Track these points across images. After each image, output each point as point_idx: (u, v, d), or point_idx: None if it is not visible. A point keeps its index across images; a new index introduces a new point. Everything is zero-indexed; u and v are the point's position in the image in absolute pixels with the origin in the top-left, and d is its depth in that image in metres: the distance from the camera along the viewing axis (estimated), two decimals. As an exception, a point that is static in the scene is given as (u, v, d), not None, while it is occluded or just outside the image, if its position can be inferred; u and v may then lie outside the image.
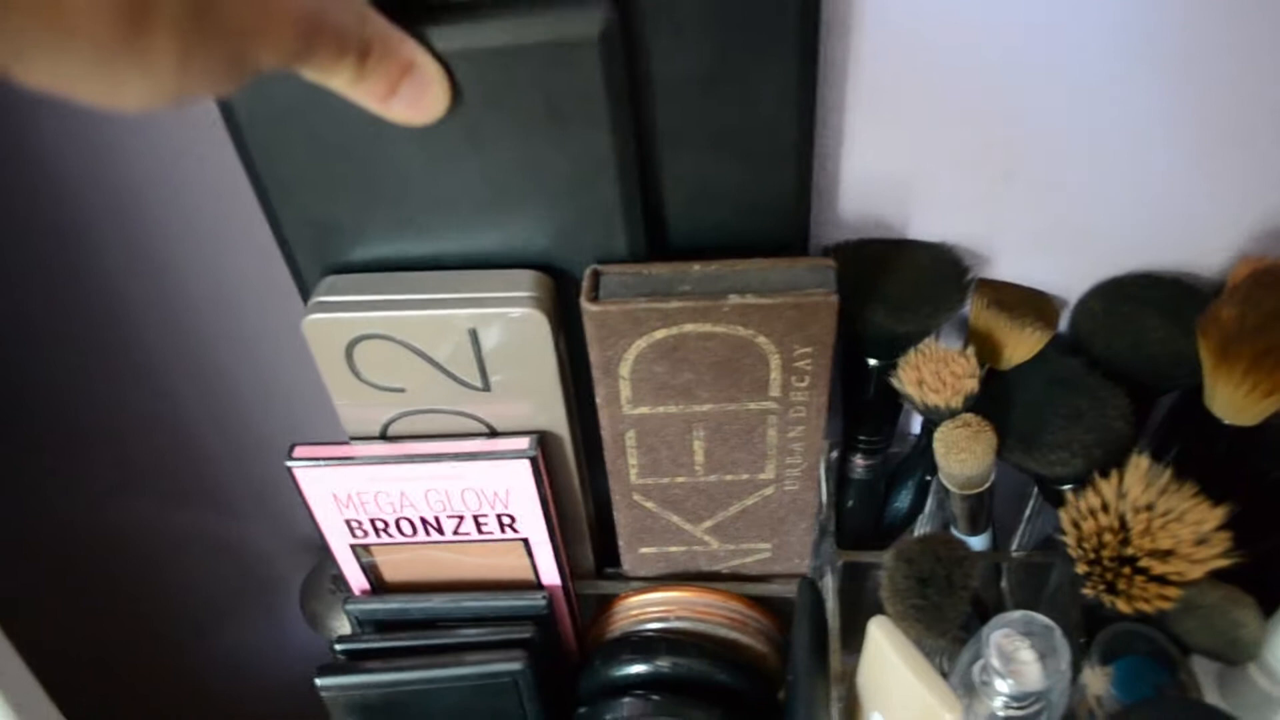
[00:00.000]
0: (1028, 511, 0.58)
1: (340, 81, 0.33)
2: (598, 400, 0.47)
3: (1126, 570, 0.43)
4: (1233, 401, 0.46)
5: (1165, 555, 0.43)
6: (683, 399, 0.47)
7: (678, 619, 0.54)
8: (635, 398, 0.46)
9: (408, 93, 0.36)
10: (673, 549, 0.56)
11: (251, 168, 0.42)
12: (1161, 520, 0.43)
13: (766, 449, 0.49)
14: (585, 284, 0.43)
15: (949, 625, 0.44)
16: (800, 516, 0.53)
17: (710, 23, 0.40)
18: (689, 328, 0.43)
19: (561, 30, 0.37)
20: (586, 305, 0.42)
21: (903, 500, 0.58)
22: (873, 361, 0.51)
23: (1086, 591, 0.44)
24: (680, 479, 0.51)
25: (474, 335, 0.44)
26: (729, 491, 0.52)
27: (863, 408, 0.54)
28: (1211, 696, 0.47)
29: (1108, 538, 0.43)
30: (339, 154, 0.41)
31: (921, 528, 0.58)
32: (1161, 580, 0.43)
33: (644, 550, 0.56)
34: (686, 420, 0.48)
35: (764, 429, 0.48)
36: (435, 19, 0.37)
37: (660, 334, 0.43)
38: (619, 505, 0.53)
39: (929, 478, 0.56)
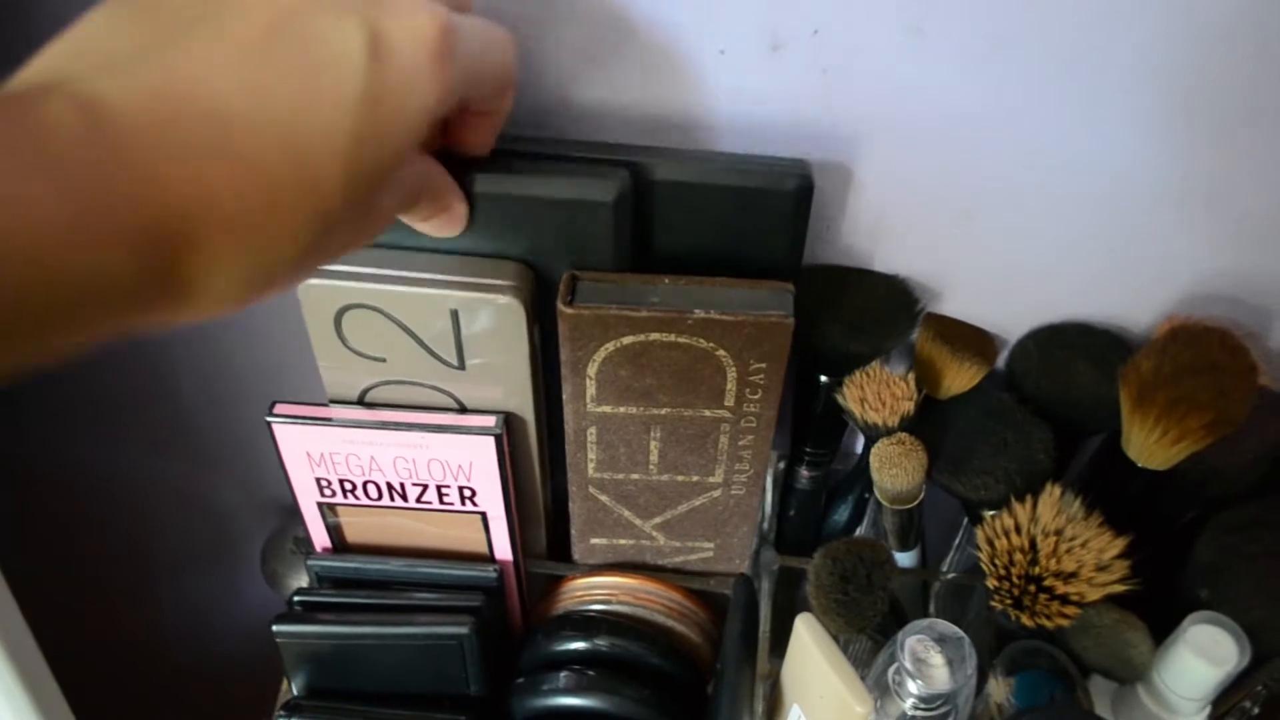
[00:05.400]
0: (957, 540, 0.62)
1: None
2: (564, 396, 0.50)
3: (1032, 588, 0.47)
4: (1145, 446, 0.50)
5: (1068, 577, 0.46)
6: (643, 402, 0.50)
7: (619, 603, 0.58)
8: (599, 396, 0.50)
9: (437, 223, 0.43)
10: (621, 542, 0.59)
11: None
12: (1068, 545, 0.47)
13: (718, 454, 0.53)
14: (562, 287, 0.46)
15: (867, 622, 0.48)
16: (743, 520, 0.57)
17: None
18: (654, 336, 0.46)
19: (582, 193, 0.45)
20: (561, 307, 0.46)
21: (841, 514, 0.62)
22: (824, 378, 0.55)
23: (994, 604, 0.48)
24: (635, 476, 0.54)
25: (455, 316, 0.48)
26: (679, 492, 0.55)
27: (811, 421, 0.58)
28: (1104, 713, 0.51)
29: (1018, 557, 0.47)
30: None
31: (857, 543, 0.62)
32: (1063, 599, 0.46)
33: (595, 540, 0.59)
34: (645, 422, 0.51)
35: (717, 435, 0.52)
36: (486, 167, 0.44)
37: (628, 340, 0.47)
38: (575, 496, 0.56)
39: (867, 495, 0.60)
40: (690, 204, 0.48)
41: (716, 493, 0.55)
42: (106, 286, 0.24)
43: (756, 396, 0.49)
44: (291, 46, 0.27)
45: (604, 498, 0.56)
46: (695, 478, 0.54)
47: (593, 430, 0.52)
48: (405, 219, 0.42)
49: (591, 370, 0.48)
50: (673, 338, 0.46)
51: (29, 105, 0.23)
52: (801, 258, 0.50)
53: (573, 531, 0.59)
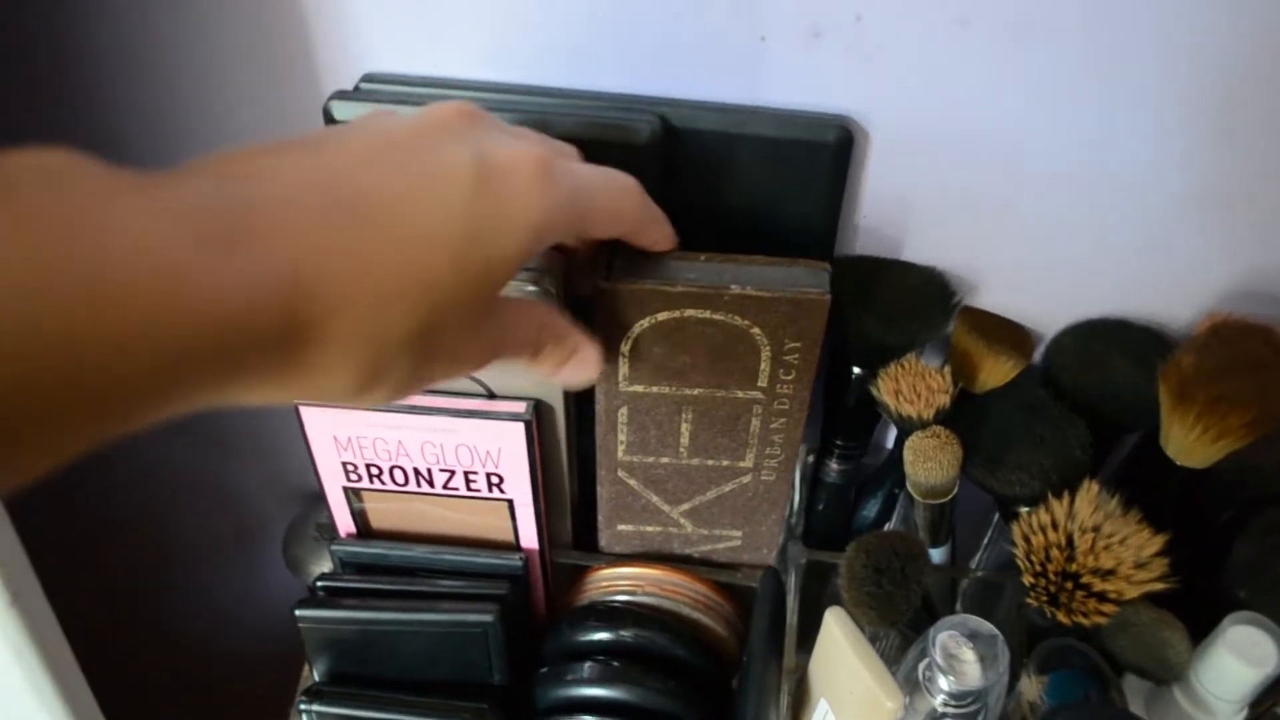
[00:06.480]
0: (986, 539, 0.61)
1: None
2: None
3: (1069, 585, 0.46)
4: (1185, 444, 0.49)
5: (1106, 574, 0.46)
6: (676, 381, 0.50)
7: (645, 594, 0.57)
8: (632, 376, 0.49)
9: (571, 369, 0.43)
10: (649, 529, 0.58)
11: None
12: (1106, 541, 0.46)
13: (749, 438, 0.52)
14: (598, 263, 0.46)
15: (899, 615, 0.47)
16: (772, 507, 0.56)
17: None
18: (690, 313, 0.46)
19: (620, 134, 0.48)
20: (598, 283, 0.45)
21: (871, 509, 0.61)
22: (856, 369, 0.54)
23: (1030, 601, 0.47)
24: (665, 459, 0.54)
25: None
26: (709, 476, 0.55)
27: (842, 414, 0.57)
28: (1138, 713, 0.50)
29: (1055, 553, 0.46)
30: None
31: (885, 539, 0.61)
32: (1100, 597, 0.46)
33: (621, 527, 0.58)
34: (677, 402, 0.51)
35: (749, 418, 0.51)
36: (525, 107, 0.45)
37: (663, 316, 0.46)
38: (603, 480, 0.56)
39: (898, 490, 0.59)
40: (727, 156, 0.48)
41: (746, 478, 0.55)
42: (228, 325, 0.26)
43: (790, 378, 0.49)
44: (408, 157, 0.32)
45: (632, 482, 0.55)
46: (725, 462, 0.54)
47: (624, 411, 0.51)
48: (537, 370, 0.42)
49: (625, 348, 0.48)
50: (708, 314, 0.46)
51: (171, 176, 0.27)
52: (839, 219, 0.50)
53: (599, 518, 0.58)
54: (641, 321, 0.47)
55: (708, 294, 0.45)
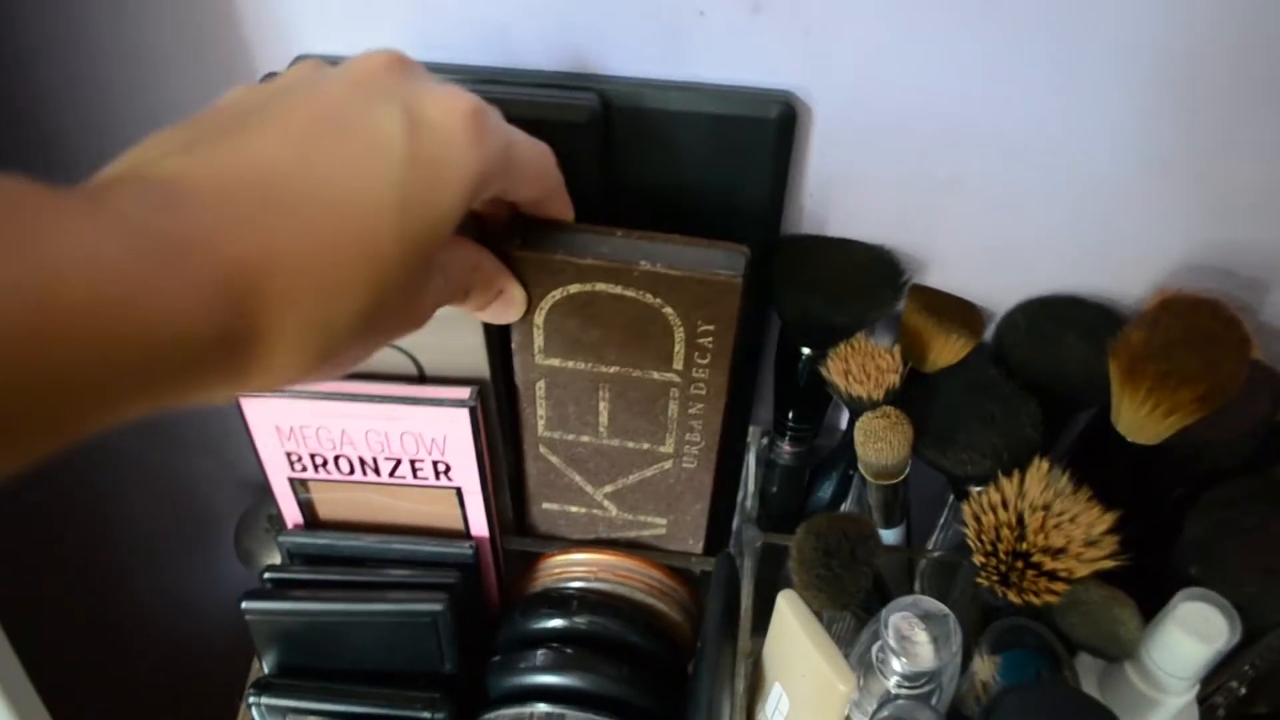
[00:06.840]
0: (942, 519, 0.61)
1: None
2: (513, 345, 0.49)
3: (1019, 564, 0.46)
4: (1135, 420, 0.49)
5: (1057, 553, 0.45)
6: (592, 357, 0.49)
7: (599, 580, 0.56)
8: (548, 348, 0.49)
9: (496, 310, 0.45)
10: (573, 509, 0.58)
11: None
12: (1056, 520, 0.46)
13: (667, 421, 0.52)
14: (511, 231, 0.45)
15: (850, 598, 0.47)
16: (695, 497, 0.56)
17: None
18: (601, 287, 0.45)
19: (560, 114, 0.47)
20: (511, 251, 0.45)
21: (825, 491, 0.60)
22: (806, 350, 0.54)
23: (980, 581, 0.47)
24: (585, 438, 0.53)
25: None
26: (630, 459, 0.54)
27: (793, 395, 0.57)
28: (1091, 692, 0.50)
29: (1005, 532, 0.46)
30: None
31: (841, 520, 0.61)
32: (1051, 575, 0.45)
33: (546, 505, 0.58)
34: (594, 379, 0.50)
35: (666, 400, 0.51)
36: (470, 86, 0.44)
37: (574, 288, 0.46)
38: (526, 455, 0.55)
39: (852, 471, 0.59)
40: (668, 134, 0.47)
41: (667, 464, 0.54)
42: (180, 333, 0.26)
43: (705, 361, 0.48)
44: (337, 128, 0.31)
45: (554, 459, 0.55)
46: (645, 445, 0.53)
47: (541, 384, 0.51)
48: (463, 309, 0.43)
49: (539, 319, 0.47)
50: (620, 290, 0.45)
51: (104, 188, 0.27)
52: (784, 197, 0.49)
53: (526, 494, 0.58)
54: (553, 292, 0.46)
55: (617, 268, 0.45)
